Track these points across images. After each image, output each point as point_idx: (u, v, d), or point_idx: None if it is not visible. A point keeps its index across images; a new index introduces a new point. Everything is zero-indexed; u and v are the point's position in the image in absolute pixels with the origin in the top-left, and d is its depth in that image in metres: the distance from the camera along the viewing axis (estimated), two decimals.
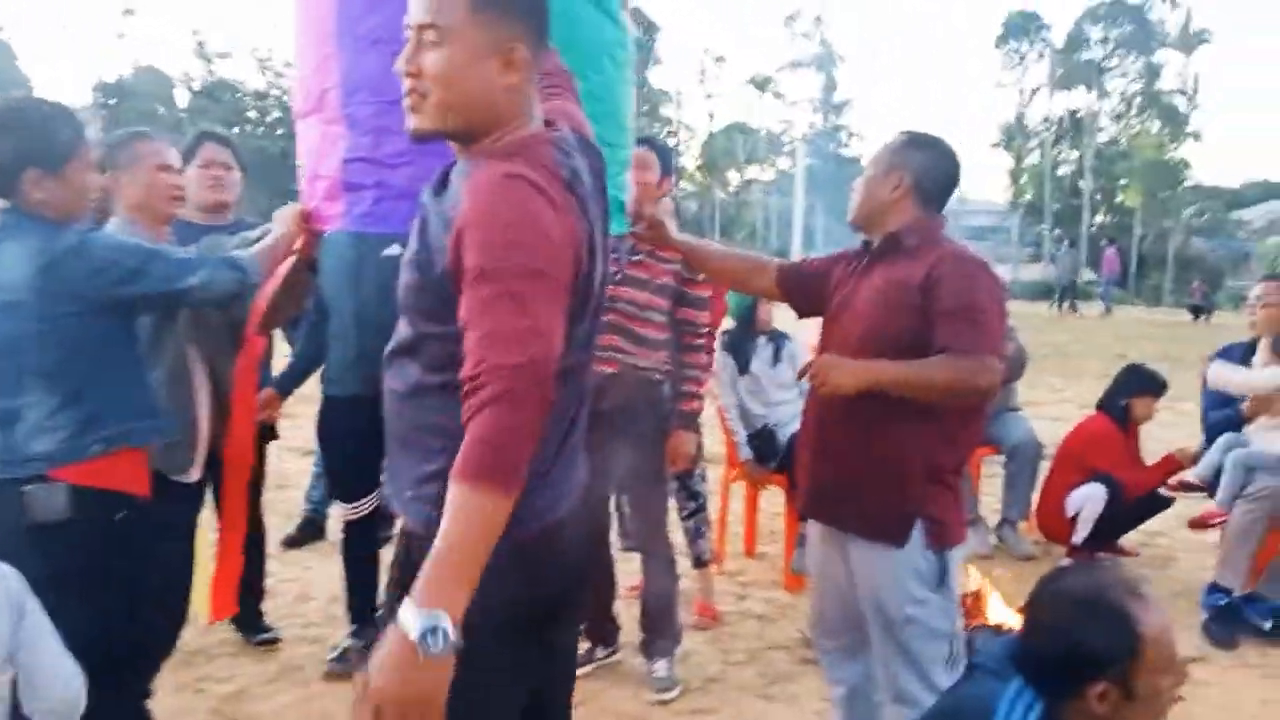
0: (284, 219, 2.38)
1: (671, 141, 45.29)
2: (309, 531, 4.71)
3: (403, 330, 1.54)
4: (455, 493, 1.28)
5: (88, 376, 2.18)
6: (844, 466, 2.34)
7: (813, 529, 2.57)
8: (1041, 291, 26.81)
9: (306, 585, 4.18)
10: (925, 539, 2.26)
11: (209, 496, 2.94)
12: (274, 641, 3.58)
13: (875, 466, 2.28)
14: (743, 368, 4.45)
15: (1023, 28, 41.07)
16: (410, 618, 1.25)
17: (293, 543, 4.63)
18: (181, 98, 37.47)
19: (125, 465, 2.24)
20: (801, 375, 2.28)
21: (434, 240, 1.45)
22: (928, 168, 2.35)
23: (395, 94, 2.03)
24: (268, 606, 3.70)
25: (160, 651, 2.70)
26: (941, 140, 2.42)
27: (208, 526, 2.97)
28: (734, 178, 45.06)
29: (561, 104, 1.72)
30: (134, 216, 2.58)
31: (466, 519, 1.28)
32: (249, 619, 3.55)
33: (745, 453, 4.45)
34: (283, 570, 4.27)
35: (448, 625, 1.24)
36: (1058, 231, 34.63)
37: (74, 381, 2.16)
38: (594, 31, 2.17)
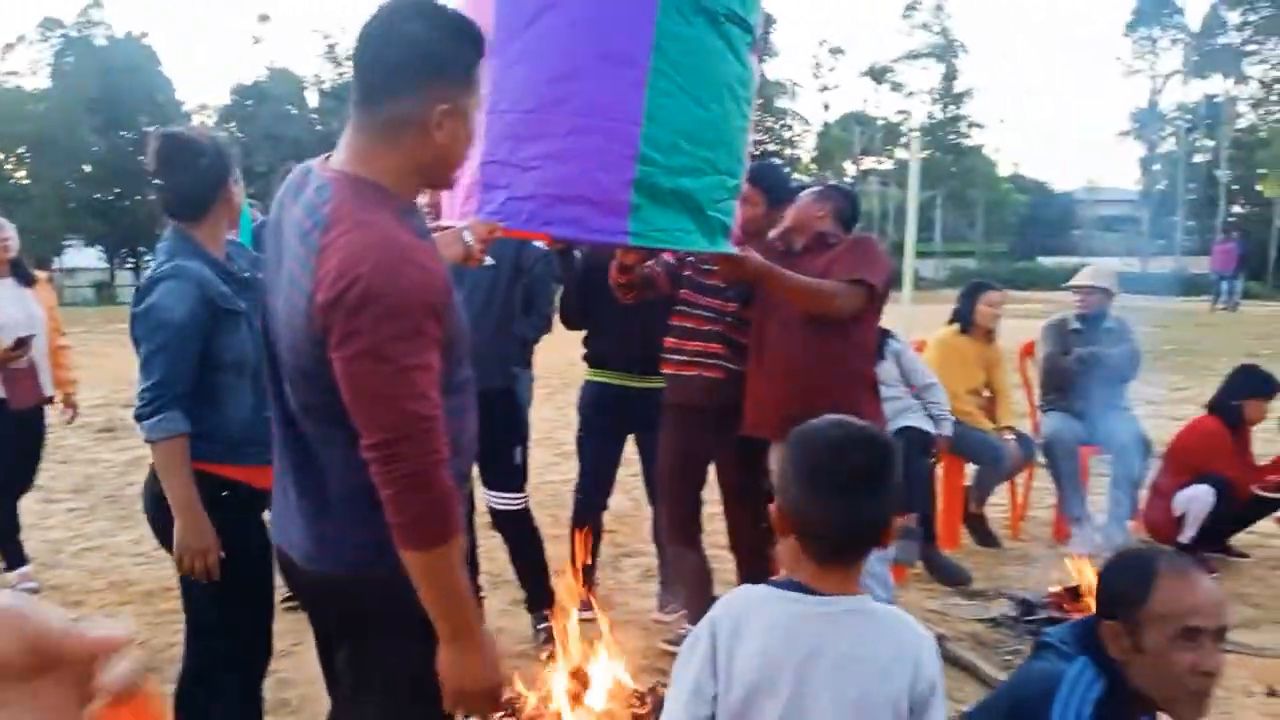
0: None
1: (786, 134, 44.96)
2: None
3: None
4: None
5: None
6: None
7: None
8: (1189, 286, 25.45)
9: None
10: None
11: None
12: None
13: None
14: None
15: (1154, 13, 39.61)
16: None
17: None
18: (312, 98, 39.11)
19: None
20: None
21: None
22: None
23: (532, 104, 2.25)
24: None
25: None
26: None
27: None
28: (850, 169, 44.42)
29: None
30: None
31: None
32: None
33: None
34: None
35: None
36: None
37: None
38: (721, 66, 2.37)
